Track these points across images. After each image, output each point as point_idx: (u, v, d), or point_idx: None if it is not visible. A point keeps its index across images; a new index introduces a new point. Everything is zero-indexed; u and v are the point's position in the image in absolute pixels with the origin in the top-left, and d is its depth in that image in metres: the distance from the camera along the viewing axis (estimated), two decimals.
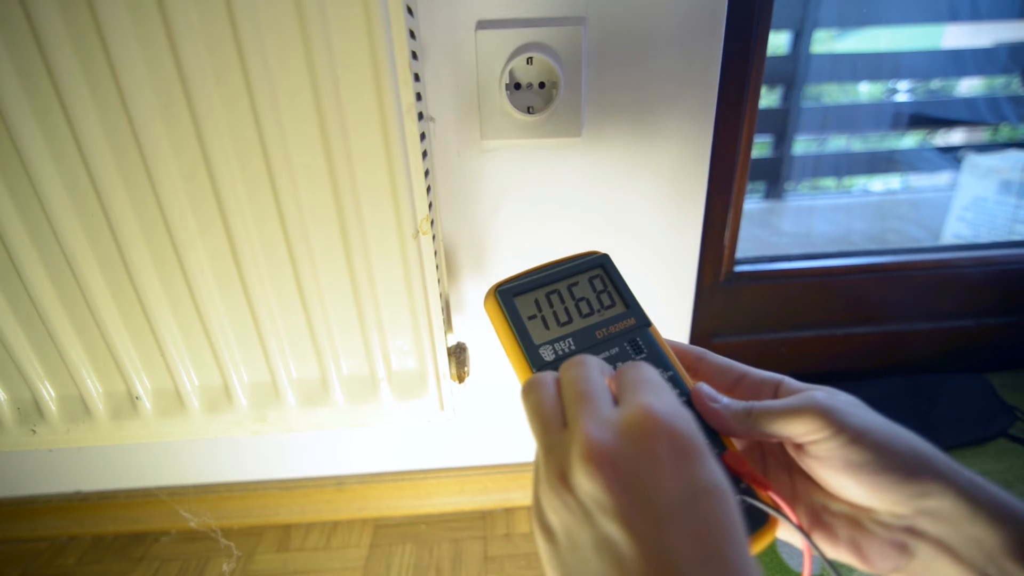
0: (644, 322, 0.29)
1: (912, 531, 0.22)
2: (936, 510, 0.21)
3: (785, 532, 0.24)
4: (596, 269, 0.31)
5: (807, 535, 0.22)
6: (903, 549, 0.22)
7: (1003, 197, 0.93)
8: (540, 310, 0.29)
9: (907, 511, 0.21)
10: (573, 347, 0.28)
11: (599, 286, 0.30)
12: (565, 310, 0.29)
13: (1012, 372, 0.75)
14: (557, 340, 0.28)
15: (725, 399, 0.26)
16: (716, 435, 0.25)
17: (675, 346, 0.29)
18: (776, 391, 0.26)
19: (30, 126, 0.33)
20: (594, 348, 0.28)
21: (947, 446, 0.66)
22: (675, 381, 0.27)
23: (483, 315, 0.59)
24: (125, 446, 0.59)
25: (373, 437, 0.67)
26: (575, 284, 0.30)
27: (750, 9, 0.52)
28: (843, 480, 0.22)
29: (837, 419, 0.22)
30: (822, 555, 0.22)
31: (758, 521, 0.22)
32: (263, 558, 0.67)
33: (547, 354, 0.28)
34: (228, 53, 0.32)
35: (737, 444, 0.27)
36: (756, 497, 0.23)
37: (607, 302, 0.30)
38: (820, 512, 0.24)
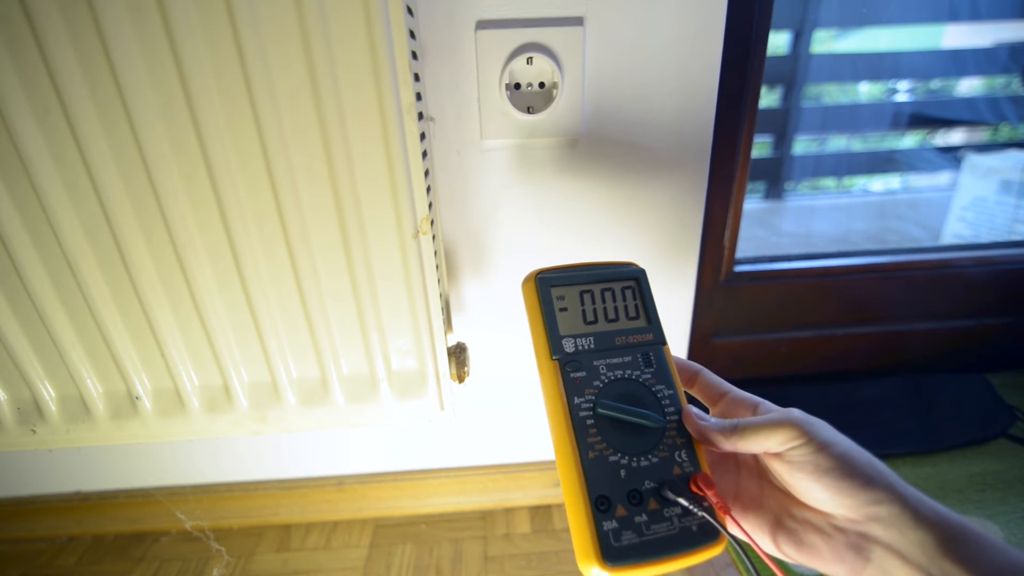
0: (661, 340, 0.32)
1: (865, 536, 0.25)
2: (885, 517, 0.24)
3: (757, 540, 0.28)
4: (631, 281, 0.33)
5: (757, 545, 0.26)
6: (859, 552, 0.25)
7: (1003, 197, 0.93)
8: (571, 305, 0.31)
9: (860, 516, 0.25)
10: (593, 346, 0.31)
11: (629, 297, 0.33)
12: (594, 311, 0.32)
13: (1012, 372, 0.75)
14: (580, 336, 0.31)
15: (713, 419, 0.29)
16: (694, 455, 0.29)
17: (677, 361, 0.32)
18: (755, 410, 0.29)
19: (30, 126, 0.33)
20: (611, 352, 0.31)
21: (947, 446, 0.66)
22: (672, 399, 0.30)
23: (483, 315, 0.60)
24: (125, 446, 0.59)
25: (373, 437, 0.67)
26: (608, 289, 0.32)
27: (750, 9, 0.52)
28: (809, 483, 0.26)
29: (809, 430, 0.26)
30: (766, 560, 0.26)
31: (711, 535, 0.26)
32: (263, 558, 0.67)
33: (568, 346, 0.30)
34: (228, 53, 0.32)
35: (713, 455, 0.31)
36: (715, 516, 0.26)
37: (633, 313, 0.32)
38: (785, 519, 0.27)
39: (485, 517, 0.71)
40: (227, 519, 0.71)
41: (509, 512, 0.71)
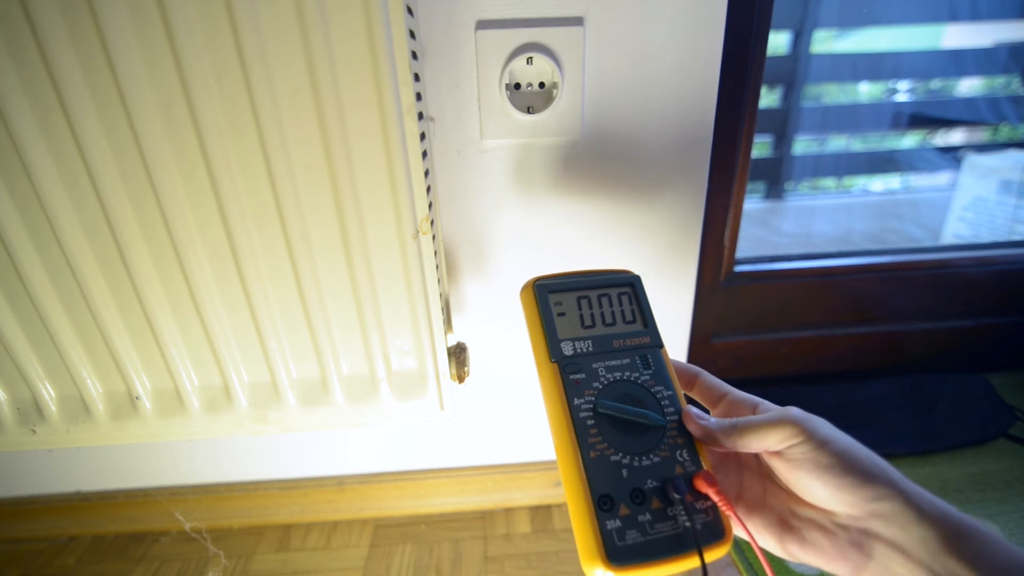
0: (658, 343, 0.32)
1: (868, 533, 0.25)
2: (887, 513, 0.24)
3: (762, 540, 0.28)
4: (626, 287, 0.34)
5: (755, 544, 0.26)
6: (861, 549, 0.25)
7: (1003, 197, 0.93)
8: (569, 310, 0.32)
9: (862, 513, 0.25)
10: (591, 348, 0.31)
11: (626, 302, 0.33)
12: (591, 315, 0.32)
13: (1012, 372, 0.75)
14: (578, 339, 0.31)
15: (713, 419, 0.29)
16: (696, 455, 0.29)
17: (676, 364, 0.33)
18: (755, 410, 0.29)
19: (30, 126, 0.33)
20: (609, 354, 0.31)
21: (947, 446, 0.66)
22: (672, 400, 0.30)
23: (483, 315, 0.60)
24: (125, 446, 0.59)
25: (373, 437, 0.67)
26: (605, 295, 0.33)
27: (750, 8, 0.52)
28: (810, 481, 0.26)
29: (809, 427, 0.26)
30: (761, 559, 0.26)
31: (717, 534, 0.26)
32: (263, 558, 0.67)
33: (567, 349, 0.31)
34: (228, 53, 0.32)
35: (715, 456, 0.31)
36: (719, 514, 0.27)
37: (629, 317, 0.33)
38: (789, 517, 0.27)
39: (485, 517, 0.71)
40: (227, 519, 0.71)
41: (509, 512, 0.71)
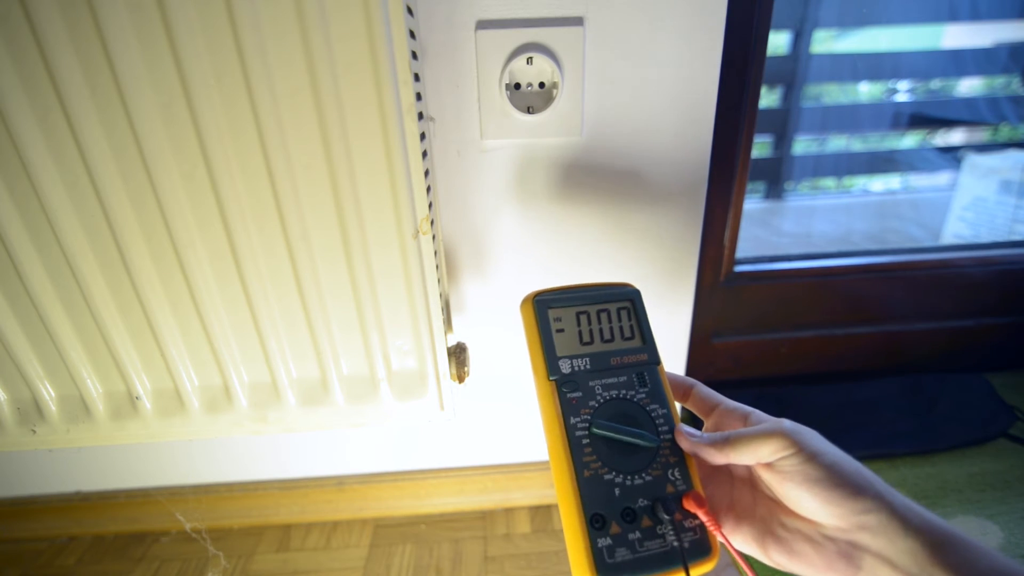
0: (655, 360, 0.32)
1: (855, 545, 0.25)
2: (874, 525, 0.24)
3: (743, 545, 0.29)
4: (626, 302, 0.34)
5: (743, 561, 0.27)
6: (849, 561, 0.25)
7: (1003, 197, 0.93)
8: (568, 326, 0.32)
9: (849, 525, 0.25)
10: (589, 366, 0.31)
11: (624, 318, 0.33)
12: (590, 332, 0.32)
13: (1012, 372, 0.75)
14: (576, 356, 0.31)
15: (705, 435, 0.30)
16: (687, 473, 0.29)
17: (671, 376, 0.33)
18: (746, 420, 0.30)
19: (30, 126, 0.33)
20: (606, 372, 0.31)
21: (947, 446, 0.66)
22: (666, 418, 0.31)
23: (483, 315, 0.60)
24: (125, 446, 0.59)
25: (373, 437, 0.67)
26: (604, 311, 0.33)
27: (750, 9, 0.52)
28: (799, 493, 0.26)
29: (799, 440, 0.26)
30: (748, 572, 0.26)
31: (703, 552, 0.27)
32: (263, 558, 0.67)
33: (564, 367, 0.31)
34: (228, 53, 0.32)
35: (707, 467, 0.31)
36: (706, 532, 0.28)
37: (628, 334, 0.33)
38: (777, 528, 0.28)
39: (485, 517, 0.71)
40: (227, 519, 0.71)
41: (509, 512, 0.71)
